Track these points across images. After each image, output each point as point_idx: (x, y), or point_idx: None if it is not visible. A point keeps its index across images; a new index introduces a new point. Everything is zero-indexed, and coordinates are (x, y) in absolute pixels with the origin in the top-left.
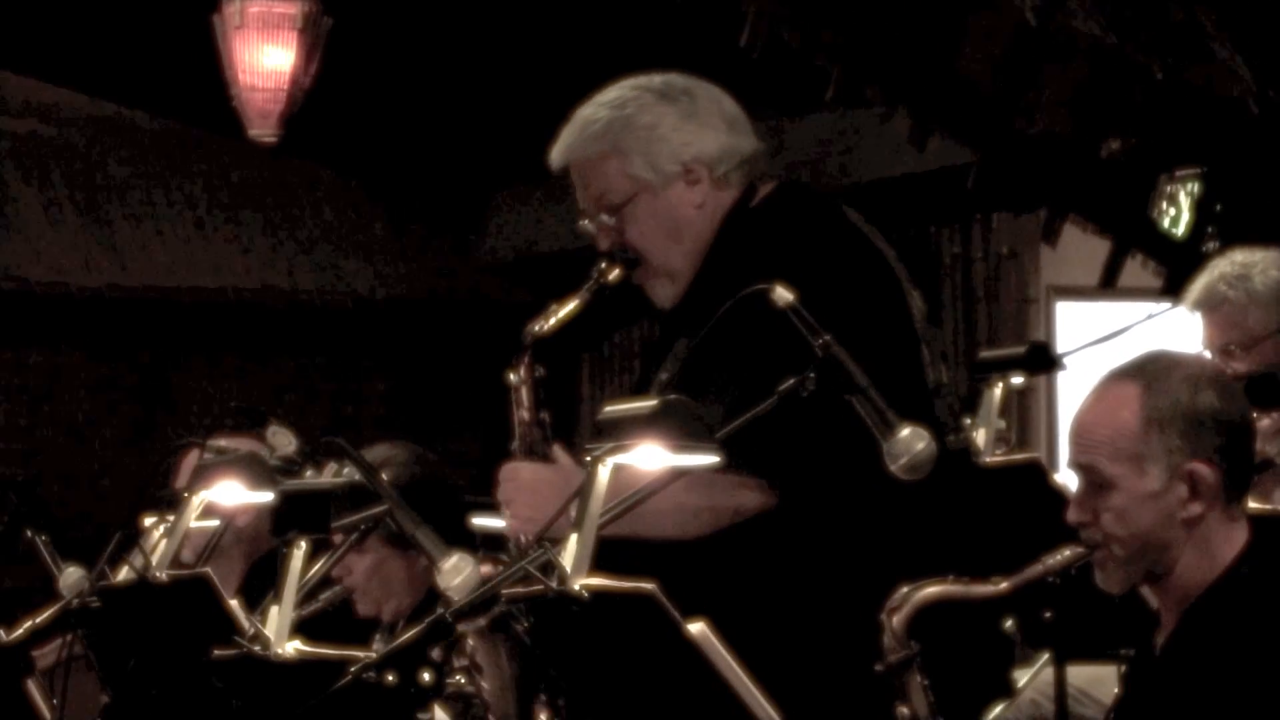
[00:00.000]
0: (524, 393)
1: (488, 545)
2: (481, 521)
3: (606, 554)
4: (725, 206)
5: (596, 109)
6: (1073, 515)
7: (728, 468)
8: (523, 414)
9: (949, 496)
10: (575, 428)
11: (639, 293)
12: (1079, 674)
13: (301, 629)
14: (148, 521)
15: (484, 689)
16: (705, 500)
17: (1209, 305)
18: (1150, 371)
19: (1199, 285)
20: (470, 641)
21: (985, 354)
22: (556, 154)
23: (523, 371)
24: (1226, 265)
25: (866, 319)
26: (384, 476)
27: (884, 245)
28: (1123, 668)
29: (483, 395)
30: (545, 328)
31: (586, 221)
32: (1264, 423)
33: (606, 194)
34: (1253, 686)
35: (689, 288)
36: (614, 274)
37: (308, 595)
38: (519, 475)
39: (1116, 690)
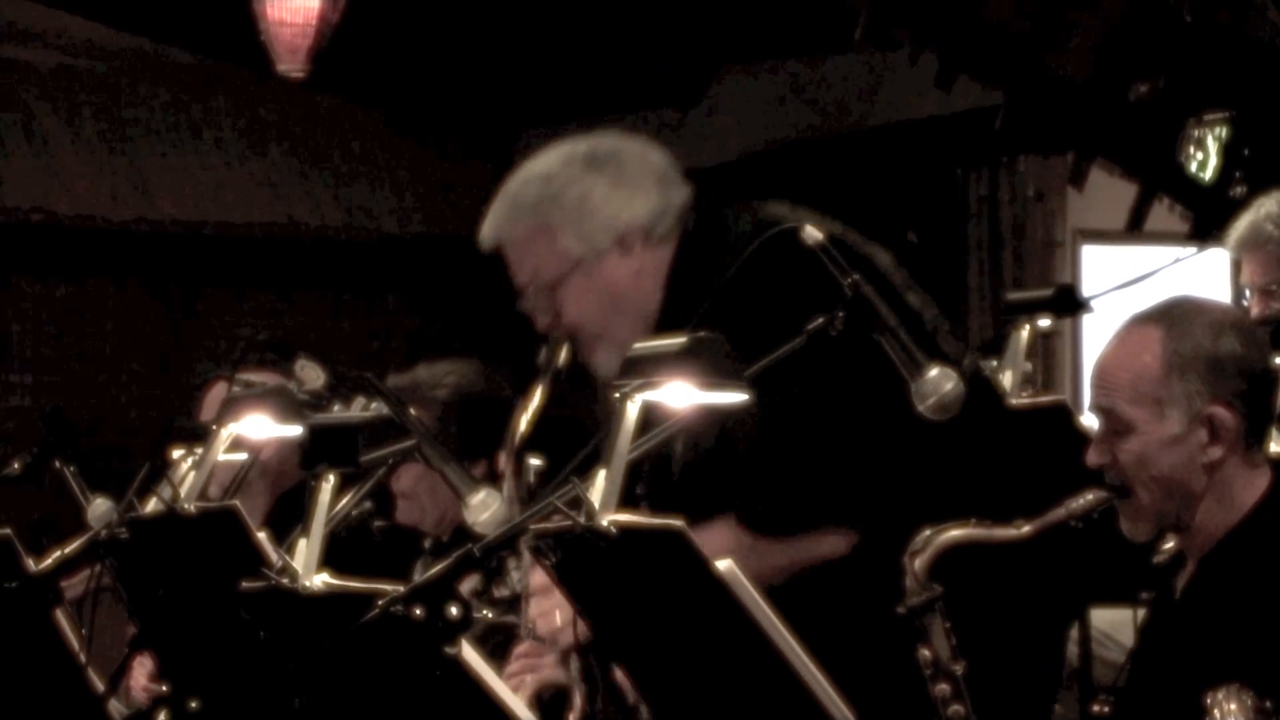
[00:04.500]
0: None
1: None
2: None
3: None
4: (666, 263)
5: (524, 184)
6: (1092, 457)
7: (804, 531)
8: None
9: (975, 436)
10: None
11: None
12: (1102, 617)
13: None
14: (175, 454)
15: (534, 623)
16: (786, 560)
17: (1252, 244)
18: (1173, 316)
19: (1242, 224)
20: (532, 575)
21: (1013, 296)
22: (486, 232)
23: (512, 471)
24: (1271, 205)
25: None
26: (447, 382)
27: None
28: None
29: (508, 332)
30: (523, 431)
31: (524, 302)
32: None
33: (540, 271)
34: (1272, 631)
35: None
36: (562, 357)
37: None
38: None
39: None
